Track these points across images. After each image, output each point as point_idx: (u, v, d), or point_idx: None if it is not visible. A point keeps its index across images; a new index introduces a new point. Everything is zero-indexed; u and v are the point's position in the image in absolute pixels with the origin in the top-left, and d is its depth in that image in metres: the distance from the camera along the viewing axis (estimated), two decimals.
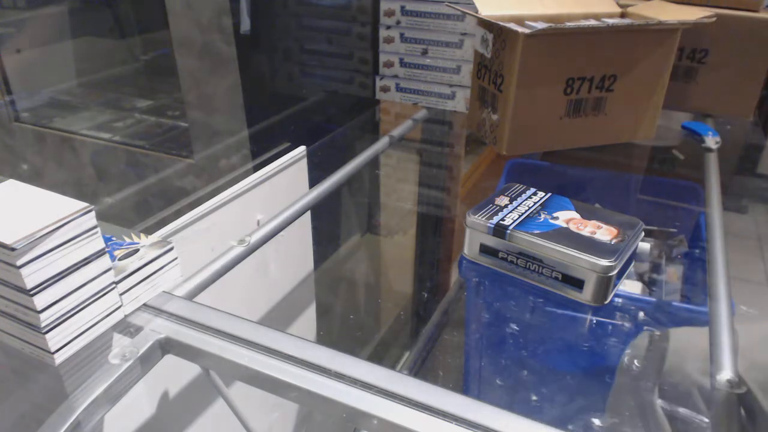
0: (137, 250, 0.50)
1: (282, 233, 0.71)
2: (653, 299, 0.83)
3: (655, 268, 0.99)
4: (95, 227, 0.44)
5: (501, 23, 0.78)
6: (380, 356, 1.57)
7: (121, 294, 0.48)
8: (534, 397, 0.91)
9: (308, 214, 0.90)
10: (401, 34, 1.08)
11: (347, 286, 1.58)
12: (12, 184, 0.46)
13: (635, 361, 0.72)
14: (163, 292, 0.52)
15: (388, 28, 1.09)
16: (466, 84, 1.06)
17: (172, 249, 0.52)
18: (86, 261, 0.44)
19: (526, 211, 0.72)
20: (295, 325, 0.97)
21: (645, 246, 0.96)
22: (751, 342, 0.61)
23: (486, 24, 0.83)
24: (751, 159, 1.23)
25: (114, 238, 0.52)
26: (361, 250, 1.60)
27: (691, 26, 0.82)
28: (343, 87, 1.34)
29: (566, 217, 0.71)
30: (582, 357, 0.85)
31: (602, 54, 0.81)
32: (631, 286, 0.92)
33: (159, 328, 0.48)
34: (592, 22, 0.84)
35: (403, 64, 1.10)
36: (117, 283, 0.47)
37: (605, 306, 0.82)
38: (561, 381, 0.89)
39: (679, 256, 1.01)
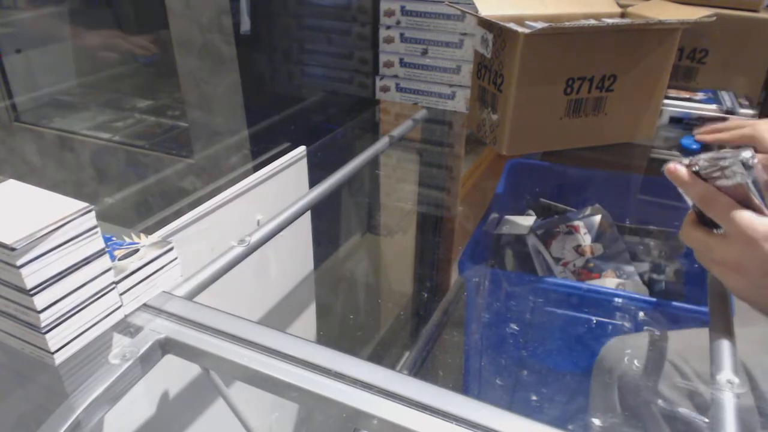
0: (137, 250, 0.50)
1: (282, 233, 0.71)
2: (653, 299, 0.83)
3: (655, 268, 0.99)
4: (95, 227, 0.44)
5: (501, 23, 0.78)
6: (380, 356, 1.57)
7: (121, 294, 0.48)
8: (534, 397, 0.91)
9: (308, 214, 0.90)
10: (401, 34, 1.08)
11: (347, 286, 1.58)
12: (12, 184, 0.46)
13: (635, 361, 0.72)
14: (163, 292, 0.52)
15: (388, 28, 1.09)
16: (466, 84, 1.06)
17: (172, 249, 0.52)
18: (86, 261, 0.44)
19: None
20: (295, 325, 0.97)
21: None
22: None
23: (486, 24, 0.83)
24: None
25: (114, 238, 0.52)
26: (361, 250, 1.60)
27: (691, 26, 0.82)
28: (343, 87, 1.34)
29: None
30: (582, 357, 0.85)
31: (602, 54, 0.81)
32: (630, 286, 0.92)
33: (159, 328, 0.48)
34: (592, 22, 0.84)
35: (403, 64, 1.10)
36: (117, 283, 0.47)
37: (605, 306, 0.82)
38: (561, 381, 0.89)
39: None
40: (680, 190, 0.54)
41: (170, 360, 0.48)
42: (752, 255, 0.48)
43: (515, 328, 0.87)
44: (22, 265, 0.40)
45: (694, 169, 0.53)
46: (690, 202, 0.55)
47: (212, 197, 0.71)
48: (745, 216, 0.48)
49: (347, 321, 1.52)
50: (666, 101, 0.88)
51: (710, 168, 0.51)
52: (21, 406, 0.52)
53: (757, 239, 0.47)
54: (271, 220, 0.70)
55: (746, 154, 0.48)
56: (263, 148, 1.27)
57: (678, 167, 0.53)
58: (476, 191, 1.59)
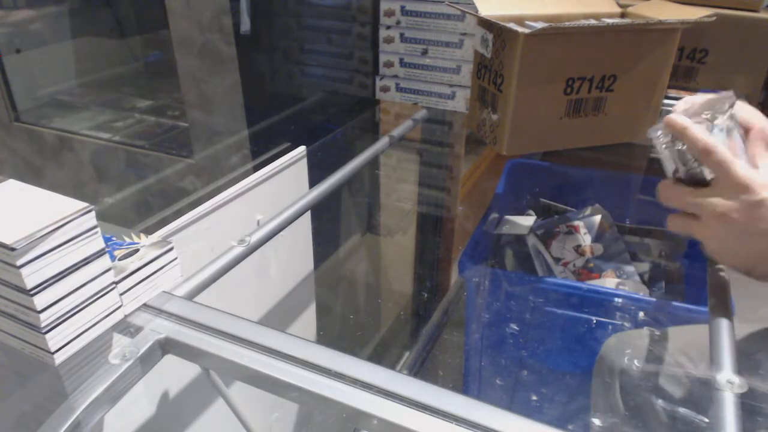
0: (137, 250, 0.50)
1: (282, 233, 0.71)
2: (653, 299, 0.83)
3: (655, 268, 0.99)
4: (95, 227, 0.44)
5: (501, 23, 0.78)
6: (380, 356, 1.57)
7: (121, 294, 0.48)
8: (534, 397, 0.91)
9: (308, 214, 0.90)
10: (401, 34, 1.08)
11: (347, 286, 1.57)
12: (12, 184, 0.46)
13: (635, 361, 0.72)
14: (163, 292, 0.52)
15: (388, 28, 1.09)
16: (466, 84, 1.06)
17: (172, 249, 0.52)
18: (86, 261, 0.44)
19: None
20: (295, 325, 0.97)
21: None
22: None
23: (486, 24, 0.83)
24: None
25: (114, 238, 0.52)
26: (361, 250, 1.60)
27: (691, 26, 0.82)
28: (343, 87, 1.34)
29: None
30: (582, 357, 0.85)
31: (602, 54, 0.81)
32: (631, 286, 0.92)
33: (159, 328, 0.48)
34: (592, 22, 0.84)
35: (403, 64, 1.10)
36: (117, 283, 0.47)
37: (605, 306, 0.82)
38: (561, 381, 0.89)
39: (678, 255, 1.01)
40: (665, 147, 0.55)
41: (170, 360, 0.48)
42: (743, 200, 0.50)
43: (515, 328, 0.87)
44: (22, 265, 0.40)
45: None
46: (672, 169, 0.56)
47: (212, 197, 0.71)
48: (740, 163, 0.50)
49: (347, 321, 1.52)
50: (666, 101, 0.88)
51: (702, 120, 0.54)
52: (21, 406, 0.52)
53: (751, 185, 0.49)
54: (271, 220, 0.70)
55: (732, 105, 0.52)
56: (263, 148, 1.26)
57: (679, 116, 0.54)
58: (476, 191, 1.59)
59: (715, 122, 0.53)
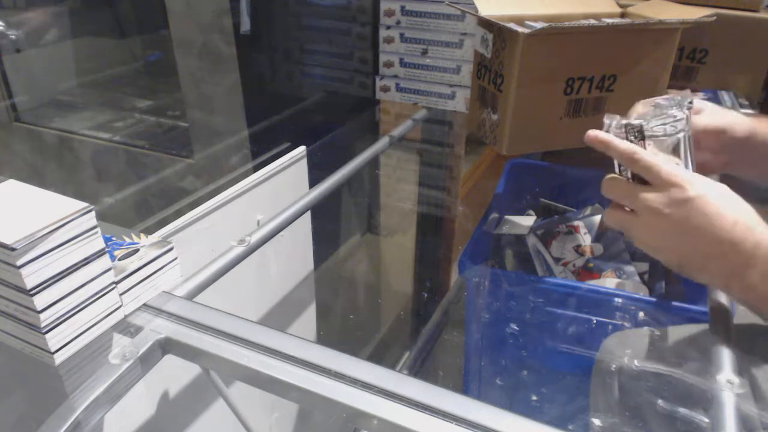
0: (137, 250, 0.50)
1: (282, 233, 0.71)
2: (653, 299, 0.83)
3: (655, 268, 0.99)
4: (95, 227, 0.44)
5: (501, 23, 0.78)
6: (380, 356, 1.57)
7: (121, 294, 0.48)
8: (534, 397, 0.91)
9: (308, 214, 0.90)
10: (401, 34, 1.08)
11: (347, 286, 1.58)
12: (12, 184, 0.46)
13: (635, 361, 0.72)
14: (163, 292, 0.52)
15: (388, 28, 1.09)
16: (466, 84, 1.06)
17: (172, 249, 0.52)
18: (86, 261, 0.44)
19: None
20: (295, 325, 0.97)
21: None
22: None
23: (486, 24, 0.83)
24: None
25: (114, 238, 0.52)
26: (361, 250, 1.60)
27: (691, 25, 0.82)
28: (343, 87, 1.34)
29: None
30: (582, 357, 0.85)
31: (602, 54, 0.81)
32: (630, 286, 0.92)
33: (159, 328, 0.48)
34: (592, 22, 0.84)
35: (403, 64, 1.10)
36: (117, 283, 0.47)
37: (605, 306, 0.82)
38: (561, 381, 0.89)
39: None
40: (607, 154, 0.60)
41: (170, 360, 0.48)
42: (673, 197, 0.53)
43: (515, 328, 0.87)
44: (22, 265, 0.40)
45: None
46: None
47: (212, 197, 0.71)
48: (665, 165, 0.54)
49: (347, 321, 1.52)
50: None
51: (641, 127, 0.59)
52: (21, 406, 0.52)
53: (679, 182, 0.53)
54: (271, 220, 0.70)
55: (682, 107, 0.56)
56: (263, 148, 1.27)
57: (600, 132, 0.60)
58: (476, 191, 1.59)
59: (650, 126, 0.58)
